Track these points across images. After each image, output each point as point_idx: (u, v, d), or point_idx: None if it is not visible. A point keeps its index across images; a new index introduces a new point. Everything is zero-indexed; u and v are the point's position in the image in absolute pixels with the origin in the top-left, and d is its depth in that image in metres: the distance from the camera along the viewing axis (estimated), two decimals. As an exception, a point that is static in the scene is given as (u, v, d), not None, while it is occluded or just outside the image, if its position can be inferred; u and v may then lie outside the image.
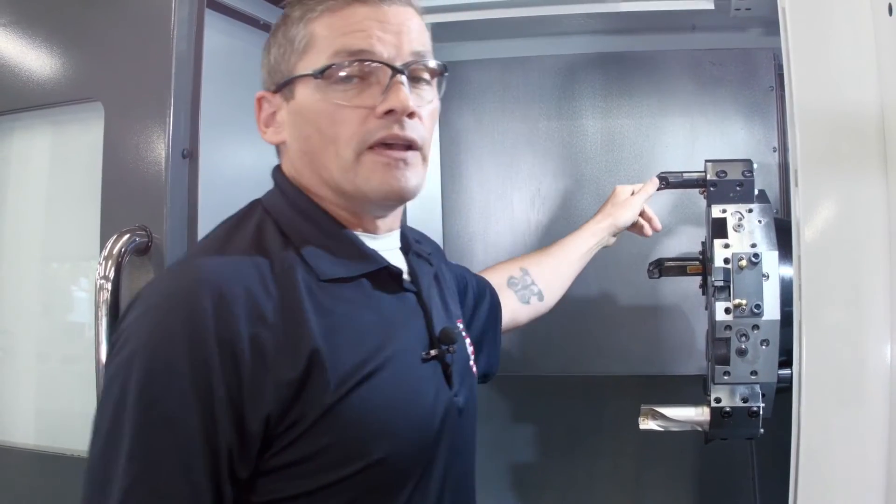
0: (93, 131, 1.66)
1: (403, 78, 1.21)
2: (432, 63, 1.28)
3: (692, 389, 1.98)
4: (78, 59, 1.69)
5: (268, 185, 1.97)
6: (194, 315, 1.07)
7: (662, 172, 2.03)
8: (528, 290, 1.89)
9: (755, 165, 1.91)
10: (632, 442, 2.52)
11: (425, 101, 1.27)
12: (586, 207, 2.56)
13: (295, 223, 1.25)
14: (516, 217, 2.62)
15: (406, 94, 1.20)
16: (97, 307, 1.51)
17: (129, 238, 1.54)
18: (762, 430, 1.80)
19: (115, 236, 1.54)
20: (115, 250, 1.52)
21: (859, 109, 1.27)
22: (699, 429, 1.87)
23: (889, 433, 1.21)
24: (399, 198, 1.26)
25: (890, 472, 1.21)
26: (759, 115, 2.40)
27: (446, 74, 1.31)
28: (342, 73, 1.21)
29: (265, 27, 2.02)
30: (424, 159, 1.27)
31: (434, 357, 1.28)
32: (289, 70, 1.26)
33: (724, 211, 1.86)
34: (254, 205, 1.31)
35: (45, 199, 1.83)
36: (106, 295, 1.51)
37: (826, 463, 1.25)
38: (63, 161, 1.81)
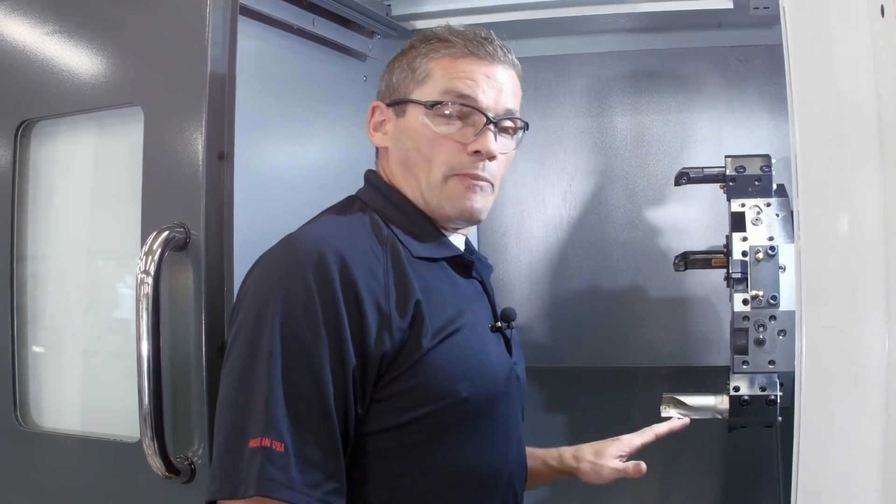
0: (133, 134, 1.71)
1: (493, 127, 1.48)
2: (518, 120, 1.54)
3: (719, 380, 1.99)
4: (118, 66, 1.76)
5: (300, 184, 2.06)
6: (321, 266, 1.31)
7: (684, 168, 2.07)
8: None
9: (774, 160, 1.94)
10: (660, 432, 2.53)
11: (506, 148, 1.53)
12: (617, 203, 2.61)
13: (389, 212, 1.51)
14: (549, 213, 2.67)
15: (492, 141, 1.47)
16: (138, 301, 1.57)
17: (169, 235, 1.60)
18: (780, 419, 1.84)
19: (154, 233, 1.59)
20: (155, 246, 1.58)
21: (857, 105, 1.30)
22: (719, 416, 1.91)
23: (886, 416, 1.25)
24: (469, 217, 1.52)
25: (886, 455, 1.24)
26: (786, 111, 2.40)
27: (526, 131, 1.57)
28: (447, 111, 1.47)
29: (299, 32, 2.08)
30: (493, 191, 1.53)
31: (498, 329, 1.56)
32: (405, 93, 1.52)
33: (743, 205, 1.90)
34: (351, 198, 1.57)
35: (89, 198, 1.89)
36: (147, 289, 1.56)
37: (825, 445, 1.28)
38: (105, 162, 1.87)
